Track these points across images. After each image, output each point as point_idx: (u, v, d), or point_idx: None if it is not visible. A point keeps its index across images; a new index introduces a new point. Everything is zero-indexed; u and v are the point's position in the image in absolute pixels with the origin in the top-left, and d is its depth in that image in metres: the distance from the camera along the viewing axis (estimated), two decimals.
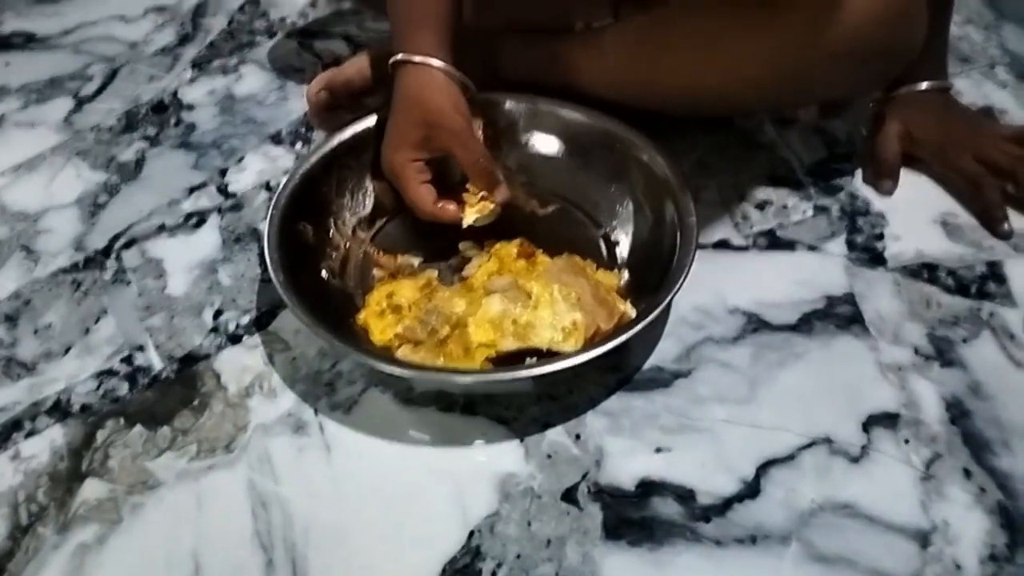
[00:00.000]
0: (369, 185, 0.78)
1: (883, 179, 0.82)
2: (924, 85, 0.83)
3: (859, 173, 0.84)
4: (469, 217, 0.72)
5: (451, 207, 0.73)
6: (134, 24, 1.10)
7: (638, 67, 0.80)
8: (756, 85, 0.75)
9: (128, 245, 0.79)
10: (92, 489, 0.60)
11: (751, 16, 0.73)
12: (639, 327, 0.62)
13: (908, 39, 0.74)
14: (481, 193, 0.73)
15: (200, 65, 1.01)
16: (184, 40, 1.06)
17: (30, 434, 0.64)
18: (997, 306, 0.71)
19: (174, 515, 0.59)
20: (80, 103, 0.97)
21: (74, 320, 0.73)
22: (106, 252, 0.79)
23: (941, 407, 0.64)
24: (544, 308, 0.66)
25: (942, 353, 0.68)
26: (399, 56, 0.73)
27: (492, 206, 0.72)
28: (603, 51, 0.82)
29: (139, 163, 0.88)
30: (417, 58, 0.72)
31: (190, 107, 0.95)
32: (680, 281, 0.64)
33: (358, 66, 0.87)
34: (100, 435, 0.64)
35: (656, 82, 0.79)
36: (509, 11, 0.89)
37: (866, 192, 0.82)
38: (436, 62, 0.72)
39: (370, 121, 0.79)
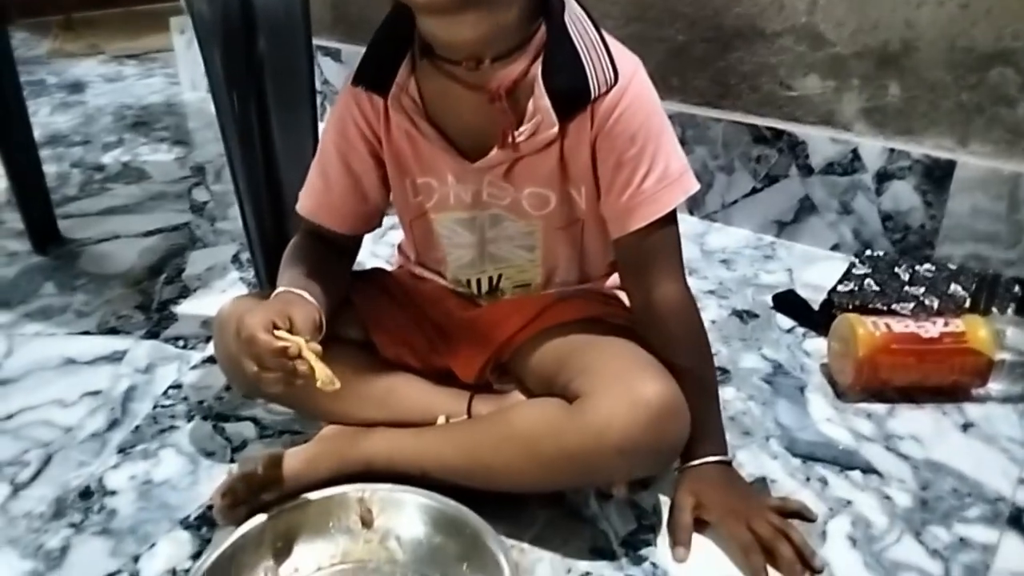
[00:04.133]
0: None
1: (676, 547, 1.01)
2: (706, 460, 1.05)
3: (661, 542, 1.03)
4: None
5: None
6: (71, 408, 1.29)
7: (473, 456, 1.03)
8: (554, 470, 0.98)
9: None
10: None
11: (559, 417, 0.98)
12: None
13: (677, 435, 0.98)
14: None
15: (125, 450, 1.20)
16: (113, 425, 1.25)
17: None
18: None
19: None
20: (16, 489, 1.13)
21: None
22: None
23: None
24: None
25: None
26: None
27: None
28: (453, 442, 1.06)
29: (64, 551, 1.03)
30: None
31: (112, 493, 1.12)
32: None
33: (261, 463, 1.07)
34: None
35: (486, 468, 1.01)
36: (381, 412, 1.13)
37: (666, 562, 1.00)
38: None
39: (264, 516, 0.98)
